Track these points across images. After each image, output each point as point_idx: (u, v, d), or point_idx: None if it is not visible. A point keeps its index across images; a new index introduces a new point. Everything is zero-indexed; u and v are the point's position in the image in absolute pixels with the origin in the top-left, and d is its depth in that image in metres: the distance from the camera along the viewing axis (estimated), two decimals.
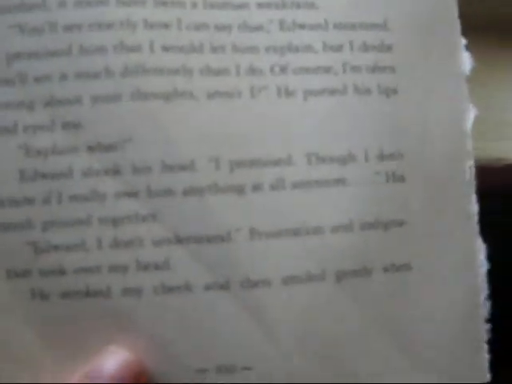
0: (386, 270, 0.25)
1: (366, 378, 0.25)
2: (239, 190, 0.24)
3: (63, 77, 0.23)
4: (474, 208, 0.26)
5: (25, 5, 0.24)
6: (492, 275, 0.27)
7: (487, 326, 0.26)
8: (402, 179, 0.25)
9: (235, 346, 0.24)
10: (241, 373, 0.24)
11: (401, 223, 0.25)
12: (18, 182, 0.23)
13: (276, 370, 0.24)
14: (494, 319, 0.26)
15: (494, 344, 0.26)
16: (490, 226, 0.26)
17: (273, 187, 0.24)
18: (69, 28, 0.24)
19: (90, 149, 0.23)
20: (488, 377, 0.26)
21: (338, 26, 0.25)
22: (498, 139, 0.29)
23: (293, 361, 0.24)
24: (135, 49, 0.24)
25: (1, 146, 0.23)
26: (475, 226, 0.26)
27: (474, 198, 0.26)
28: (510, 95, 0.30)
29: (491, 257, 0.27)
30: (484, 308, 0.26)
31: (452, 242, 0.26)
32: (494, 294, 0.27)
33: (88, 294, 0.23)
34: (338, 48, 0.25)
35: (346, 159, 0.25)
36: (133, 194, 0.24)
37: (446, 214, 0.26)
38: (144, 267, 0.23)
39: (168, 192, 0.24)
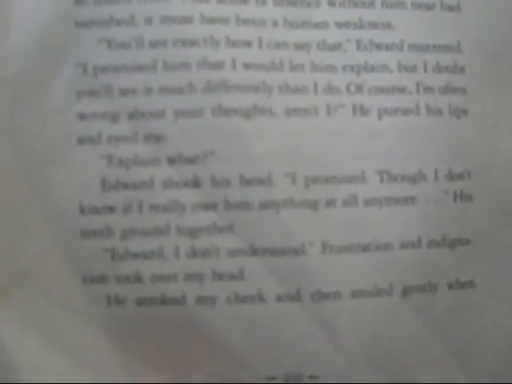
0: (450, 286, 0.25)
1: None
2: (313, 205, 0.24)
3: (148, 91, 0.23)
4: None
5: (113, 20, 0.23)
6: None
7: None
8: (469, 198, 0.25)
9: (303, 355, 0.24)
10: (308, 381, 0.24)
11: (467, 242, 0.25)
12: (100, 191, 0.23)
13: (341, 379, 0.24)
14: None
15: None
16: None
17: (345, 203, 0.24)
18: (154, 44, 0.23)
19: (171, 161, 0.23)
20: None
21: (413, 47, 0.25)
22: None
23: (358, 371, 0.24)
24: (218, 66, 0.23)
25: (85, 154, 0.23)
26: None
27: None
28: None
29: None
30: None
31: None
32: None
33: (163, 301, 0.23)
34: (413, 68, 0.25)
35: (416, 178, 0.24)
36: (211, 206, 0.23)
37: (510, 235, 0.25)
38: (219, 277, 0.23)
39: (245, 205, 0.23)
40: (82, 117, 0.23)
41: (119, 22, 0.23)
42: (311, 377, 0.24)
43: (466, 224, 0.25)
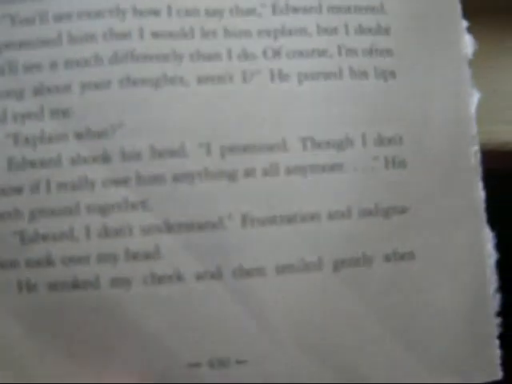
0: (387, 258, 0.21)
1: (367, 374, 0.20)
2: (231, 175, 0.20)
3: (53, 65, 0.20)
4: (481, 194, 0.22)
5: None
6: (503, 266, 0.22)
7: (498, 320, 0.21)
8: (403, 164, 0.21)
9: (229, 339, 0.20)
10: (235, 366, 0.20)
11: (403, 210, 0.21)
12: (5, 171, 0.20)
13: (271, 362, 0.20)
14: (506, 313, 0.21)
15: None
16: (500, 212, 0.22)
17: (266, 173, 0.20)
18: (59, 17, 0.21)
19: (79, 136, 0.20)
20: (500, 374, 0.21)
21: (333, 9, 0.21)
22: (505, 122, 0.25)
23: (288, 353, 0.20)
24: (124, 36, 0.20)
25: None
26: (482, 214, 0.22)
27: (480, 184, 0.22)
28: None
29: (502, 246, 0.22)
30: (493, 301, 0.21)
31: (457, 231, 0.21)
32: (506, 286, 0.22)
33: (76, 285, 0.20)
34: (333, 31, 0.21)
35: (342, 144, 0.21)
36: (122, 181, 0.20)
37: (450, 201, 0.21)
38: (133, 256, 0.20)
39: (158, 178, 0.20)
40: None
41: None
42: (238, 362, 0.20)
43: (400, 191, 0.21)
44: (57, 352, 0.20)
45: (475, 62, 0.22)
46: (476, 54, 0.22)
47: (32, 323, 0.20)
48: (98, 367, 0.20)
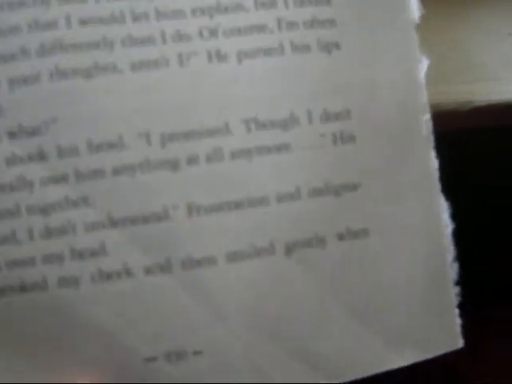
0: (340, 237, 0.19)
1: (324, 353, 0.19)
2: (173, 164, 0.18)
3: None
4: (434, 164, 0.20)
5: None
6: (460, 235, 0.20)
7: (456, 290, 0.20)
8: (351, 139, 0.19)
9: (183, 331, 0.19)
10: (192, 358, 0.19)
11: (354, 187, 0.19)
12: None
13: (227, 351, 0.19)
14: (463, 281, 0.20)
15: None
16: (460, 177, 0.20)
17: (209, 159, 0.19)
18: None
19: (12, 135, 0.18)
20: (461, 342, 0.20)
21: None
22: (464, 82, 0.23)
23: (244, 341, 0.19)
24: (51, 25, 0.18)
25: None
26: (436, 184, 0.20)
27: (432, 153, 0.20)
28: (471, 36, 0.23)
29: (460, 215, 0.20)
30: (452, 270, 0.20)
31: (412, 203, 0.20)
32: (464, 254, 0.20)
33: (23, 288, 0.18)
34: (271, 4, 0.19)
35: (287, 123, 0.19)
36: (61, 179, 0.18)
37: (403, 173, 0.20)
38: (79, 254, 0.18)
39: (97, 173, 0.18)
40: None
41: None
42: (195, 353, 0.19)
43: (350, 168, 0.19)
44: (6, 359, 0.18)
45: (426, 26, 0.20)
46: (428, 17, 0.20)
47: None
48: (55, 367, 0.18)
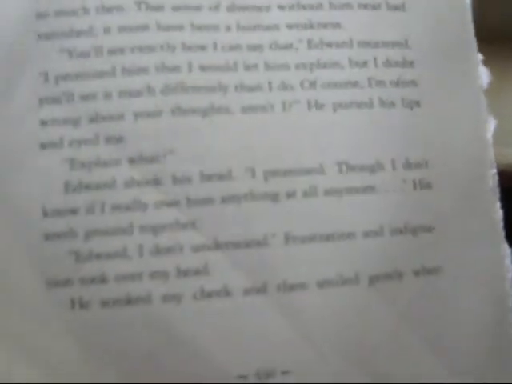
0: (416, 273, 0.20)
1: (399, 379, 0.20)
2: (274, 197, 0.20)
3: (107, 95, 0.20)
4: (499, 214, 0.22)
5: (73, 31, 0.20)
6: None
7: None
8: (428, 186, 0.21)
9: (274, 350, 0.19)
10: (280, 377, 0.19)
11: (429, 229, 0.21)
12: (62, 194, 0.19)
13: (314, 372, 0.19)
14: None
15: None
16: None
17: (306, 194, 0.20)
18: (113, 51, 0.20)
19: (132, 161, 0.20)
20: None
21: (362, 44, 0.21)
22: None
23: (330, 364, 0.19)
24: (175, 69, 0.20)
25: (47, 159, 0.20)
26: (500, 231, 0.21)
27: (498, 204, 0.22)
28: None
29: None
30: None
31: (479, 248, 0.21)
32: None
33: (129, 301, 0.19)
34: (363, 64, 0.21)
35: (374, 168, 0.21)
36: (173, 203, 0.20)
37: (472, 221, 0.21)
38: (184, 273, 0.19)
39: (207, 200, 0.20)
40: (44, 123, 0.20)
41: (79, 33, 0.20)
42: (284, 372, 0.20)
43: (427, 211, 0.21)
44: (108, 369, 0.19)
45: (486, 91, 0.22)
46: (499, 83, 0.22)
47: (84, 339, 0.19)
48: (152, 380, 0.19)
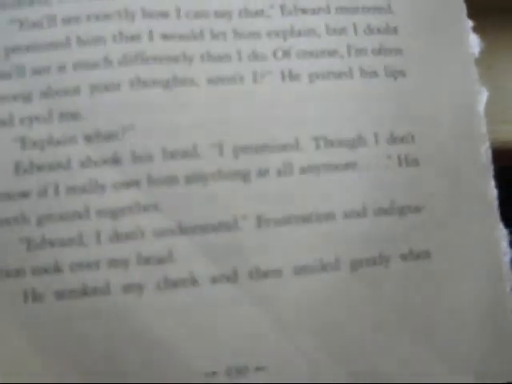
0: (403, 257, 0.18)
1: (386, 375, 0.17)
2: (244, 176, 0.18)
3: (61, 68, 0.18)
4: (493, 192, 0.19)
5: (25, 0, 0.18)
6: None
7: None
8: (415, 163, 0.19)
9: (246, 345, 0.17)
10: (254, 374, 0.17)
11: (418, 209, 0.18)
12: (13, 175, 0.17)
13: (292, 369, 0.17)
14: None
15: None
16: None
17: (280, 173, 0.18)
18: (67, 21, 0.18)
19: (89, 139, 0.18)
20: None
21: (341, 10, 0.19)
22: (508, 121, 0.22)
23: (308, 359, 0.17)
24: (134, 38, 0.18)
25: None
26: (495, 212, 0.19)
27: (492, 182, 0.19)
28: None
29: None
30: (510, 299, 0.19)
31: (472, 229, 0.19)
32: None
33: (85, 292, 0.17)
34: (342, 31, 0.19)
35: (355, 143, 0.18)
36: (133, 184, 0.17)
37: (464, 200, 0.19)
38: (145, 261, 0.17)
39: (170, 180, 0.17)
40: None
41: (31, 2, 0.18)
42: (258, 368, 0.17)
43: (414, 190, 0.19)
44: (64, 367, 0.17)
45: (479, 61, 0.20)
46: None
47: (38, 334, 0.17)
48: (110, 379, 0.17)
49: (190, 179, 0.18)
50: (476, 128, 0.20)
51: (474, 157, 0.19)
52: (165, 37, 0.18)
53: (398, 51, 0.19)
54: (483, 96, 0.20)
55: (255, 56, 0.19)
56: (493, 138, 0.20)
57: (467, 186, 0.19)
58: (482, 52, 0.20)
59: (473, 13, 0.20)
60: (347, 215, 0.18)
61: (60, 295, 0.17)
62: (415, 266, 0.18)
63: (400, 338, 0.18)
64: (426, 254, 0.18)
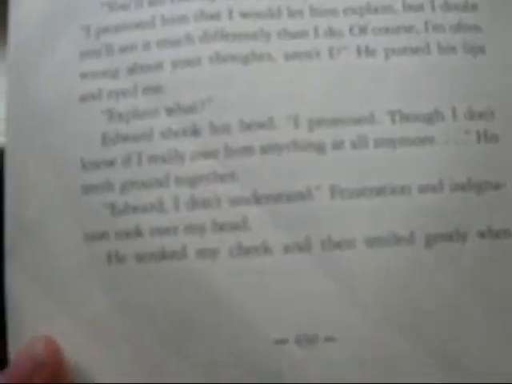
0: (481, 235, 0.17)
1: (462, 358, 0.17)
2: (319, 147, 0.18)
3: (146, 45, 0.19)
4: None
5: None
6: None
7: None
8: (495, 139, 0.18)
9: (317, 314, 0.17)
10: (324, 343, 0.17)
11: (497, 186, 0.18)
12: (100, 146, 0.18)
13: (362, 341, 0.17)
14: None
15: None
16: None
17: (354, 145, 0.18)
18: (152, 2, 0.19)
19: (170, 111, 0.18)
20: None
21: None
22: None
23: (381, 332, 0.17)
24: (214, 16, 0.19)
25: (86, 111, 0.19)
26: None
27: None
28: None
29: None
30: None
31: None
32: None
33: (163, 255, 0.17)
34: (419, 7, 0.19)
35: (432, 117, 0.18)
36: (211, 154, 0.18)
37: None
38: (220, 227, 0.17)
39: (246, 150, 0.18)
40: (84, 75, 0.19)
41: None
42: (327, 338, 0.17)
43: (493, 166, 0.18)
44: (143, 326, 0.17)
45: None
46: None
47: (121, 294, 0.18)
48: (185, 342, 0.17)
49: (266, 150, 0.18)
50: None
51: None
52: (243, 15, 0.19)
53: (477, 28, 0.19)
54: None
55: (332, 32, 0.19)
56: None
57: None
58: None
59: None
60: (423, 189, 0.18)
61: (140, 258, 0.18)
62: (493, 244, 0.18)
63: (476, 319, 0.17)
64: (505, 233, 0.18)
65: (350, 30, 0.19)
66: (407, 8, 0.19)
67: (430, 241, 0.17)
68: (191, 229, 0.18)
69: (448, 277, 0.17)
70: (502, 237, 0.18)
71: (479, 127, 0.18)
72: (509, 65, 0.19)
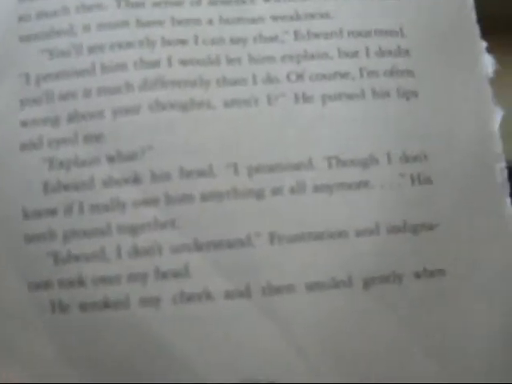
0: (417, 275, 0.18)
1: None
2: (258, 194, 0.18)
3: (86, 93, 0.18)
4: (510, 211, 0.19)
5: (54, 31, 0.19)
6: None
7: None
8: (428, 181, 0.18)
9: (259, 360, 0.17)
10: None
11: (431, 226, 0.18)
12: (41, 194, 0.18)
13: None
14: None
15: None
16: None
17: (293, 191, 0.18)
18: (92, 49, 0.19)
19: (111, 159, 0.18)
20: None
21: (353, 34, 0.19)
22: None
23: (321, 376, 0.17)
24: (154, 64, 0.19)
25: (27, 159, 0.18)
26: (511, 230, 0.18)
27: (508, 201, 0.19)
28: None
29: None
30: None
31: (487, 249, 0.18)
32: None
33: (107, 305, 0.17)
34: (354, 54, 0.19)
35: (367, 162, 0.18)
36: (152, 202, 0.18)
37: (478, 218, 0.18)
38: (163, 275, 0.17)
39: (186, 198, 0.18)
40: (24, 124, 0.18)
41: (59, 33, 0.19)
42: None
43: (428, 208, 0.18)
44: (86, 374, 0.17)
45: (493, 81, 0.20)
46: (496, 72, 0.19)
47: (64, 343, 0.17)
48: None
49: (206, 197, 0.18)
50: (490, 147, 0.19)
51: (489, 175, 0.19)
52: (183, 62, 0.19)
53: (410, 73, 0.19)
54: (498, 115, 0.19)
55: (270, 79, 0.19)
56: (508, 157, 0.19)
57: (482, 204, 0.19)
58: (496, 71, 0.20)
59: (486, 32, 0.20)
60: (360, 233, 0.18)
61: (84, 307, 0.17)
62: (429, 284, 0.18)
63: (415, 358, 0.17)
64: (439, 273, 0.18)
65: (288, 76, 0.19)
66: (343, 55, 0.19)
67: (368, 283, 0.18)
68: (134, 277, 0.17)
69: (386, 319, 0.18)
70: (437, 276, 0.18)
71: (413, 170, 0.18)
72: (441, 108, 0.19)
